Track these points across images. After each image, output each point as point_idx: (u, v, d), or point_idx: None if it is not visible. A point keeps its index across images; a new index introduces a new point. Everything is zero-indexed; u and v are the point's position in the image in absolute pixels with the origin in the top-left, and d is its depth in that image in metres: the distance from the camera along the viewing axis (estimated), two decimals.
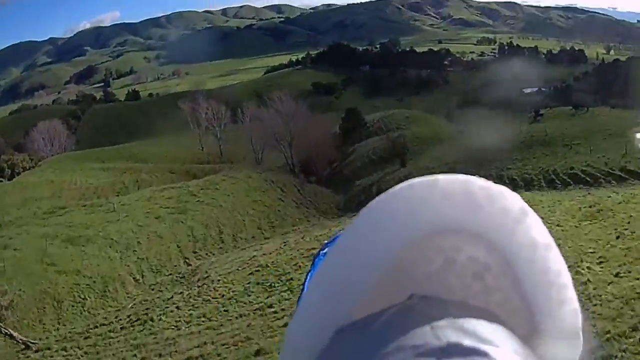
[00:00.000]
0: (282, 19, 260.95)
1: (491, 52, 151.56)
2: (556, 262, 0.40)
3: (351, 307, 0.39)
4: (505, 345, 0.35)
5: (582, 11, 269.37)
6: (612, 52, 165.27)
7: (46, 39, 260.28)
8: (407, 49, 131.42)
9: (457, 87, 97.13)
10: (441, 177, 0.39)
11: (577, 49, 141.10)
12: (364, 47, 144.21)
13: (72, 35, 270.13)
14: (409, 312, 0.38)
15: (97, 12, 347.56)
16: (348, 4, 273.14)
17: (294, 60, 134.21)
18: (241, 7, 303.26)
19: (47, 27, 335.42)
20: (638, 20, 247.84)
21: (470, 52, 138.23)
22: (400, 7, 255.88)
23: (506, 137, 37.23)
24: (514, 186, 22.99)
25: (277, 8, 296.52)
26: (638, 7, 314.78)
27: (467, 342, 0.34)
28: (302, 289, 0.47)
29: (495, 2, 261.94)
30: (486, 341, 0.34)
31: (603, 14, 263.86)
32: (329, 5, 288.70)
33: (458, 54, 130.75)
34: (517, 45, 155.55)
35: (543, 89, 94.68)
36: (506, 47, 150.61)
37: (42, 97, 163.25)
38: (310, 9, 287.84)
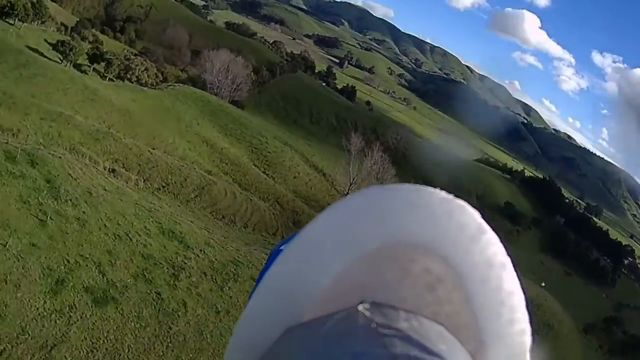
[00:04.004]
0: None
1: None
2: (509, 282, 0.40)
3: (302, 307, 0.39)
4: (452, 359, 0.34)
5: None
6: None
7: None
8: (605, 229, 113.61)
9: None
10: (403, 187, 0.40)
11: None
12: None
13: None
14: (358, 317, 0.37)
15: None
16: None
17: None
18: None
19: None
20: None
21: None
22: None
23: None
24: None
25: None
26: None
27: (414, 353, 0.33)
28: (256, 285, 0.44)
29: None
30: (433, 354, 0.34)
31: None
32: None
33: None
34: None
35: None
36: None
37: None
38: None
